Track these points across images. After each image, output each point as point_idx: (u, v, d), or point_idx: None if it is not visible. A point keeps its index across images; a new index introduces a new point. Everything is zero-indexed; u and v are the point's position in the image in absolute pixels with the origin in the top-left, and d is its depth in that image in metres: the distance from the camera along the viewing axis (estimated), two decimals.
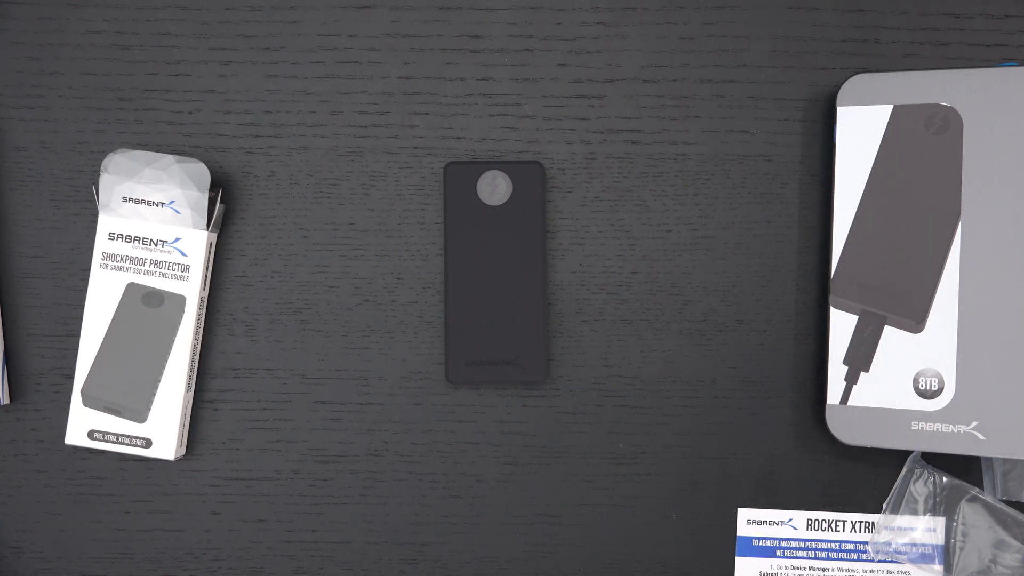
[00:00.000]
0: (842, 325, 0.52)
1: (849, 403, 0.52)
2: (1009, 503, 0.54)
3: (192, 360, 0.53)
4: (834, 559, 0.54)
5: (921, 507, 0.53)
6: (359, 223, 0.54)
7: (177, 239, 0.52)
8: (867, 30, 0.54)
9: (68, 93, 0.54)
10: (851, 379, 0.52)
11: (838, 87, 0.54)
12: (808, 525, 0.54)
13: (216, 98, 0.54)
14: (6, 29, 0.54)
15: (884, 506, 0.54)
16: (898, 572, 0.54)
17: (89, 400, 0.52)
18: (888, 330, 0.51)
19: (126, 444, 0.52)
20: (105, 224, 0.52)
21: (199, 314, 0.53)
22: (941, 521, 0.53)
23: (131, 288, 0.52)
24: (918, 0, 0.54)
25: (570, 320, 0.54)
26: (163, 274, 0.52)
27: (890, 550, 0.54)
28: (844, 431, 0.52)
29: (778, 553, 0.55)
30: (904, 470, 0.53)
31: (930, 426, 0.51)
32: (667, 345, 0.54)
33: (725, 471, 0.55)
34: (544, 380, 0.53)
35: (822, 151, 0.54)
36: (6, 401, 0.54)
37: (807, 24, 0.54)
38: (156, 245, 0.52)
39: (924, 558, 0.53)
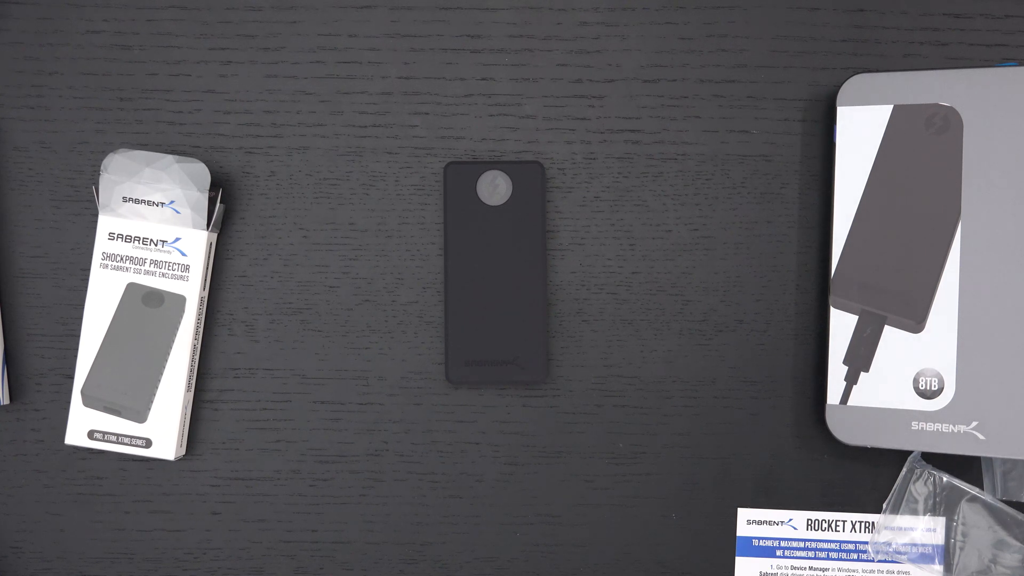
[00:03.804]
0: (842, 325, 0.52)
1: (849, 403, 0.52)
2: (1009, 503, 0.54)
3: (192, 360, 0.53)
4: (834, 559, 0.54)
5: (921, 507, 0.53)
6: (359, 223, 0.54)
7: (177, 239, 0.52)
8: (867, 30, 0.54)
9: (68, 93, 0.54)
10: (851, 379, 0.52)
11: (838, 87, 0.54)
12: (808, 525, 0.54)
13: (216, 98, 0.54)
14: (6, 29, 0.54)
15: (884, 506, 0.54)
16: (898, 572, 0.54)
17: (89, 400, 0.52)
18: (888, 330, 0.51)
19: (126, 444, 0.52)
20: (105, 224, 0.52)
21: (199, 314, 0.53)
22: (941, 521, 0.53)
23: (131, 288, 0.52)
24: (918, 0, 0.54)
25: (570, 320, 0.54)
26: (163, 274, 0.52)
27: (890, 550, 0.54)
28: (844, 431, 0.52)
29: (778, 553, 0.55)
30: (904, 470, 0.53)
31: (930, 426, 0.51)
32: (667, 345, 0.54)
33: (725, 471, 0.55)
34: (544, 380, 0.53)
35: (822, 151, 0.54)
36: (6, 401, 0.54)
37: (807, 24, 0.54)
38: (156, 245, 0.52)
39: (924, 558, 0.53)
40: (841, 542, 0.54)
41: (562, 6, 0.54)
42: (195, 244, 0.52)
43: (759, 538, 0.55)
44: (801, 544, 0.55)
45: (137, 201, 0.52)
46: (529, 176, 0.53)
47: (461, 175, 0.53)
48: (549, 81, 0.54)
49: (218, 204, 0.52)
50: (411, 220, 0.54)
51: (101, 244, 0.52)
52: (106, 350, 0.52)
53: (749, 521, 0.55)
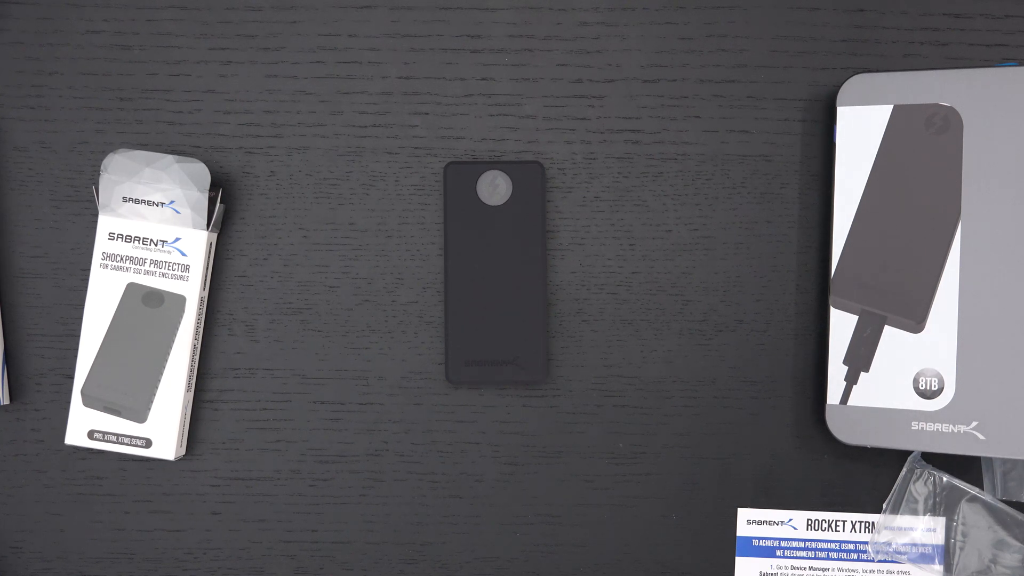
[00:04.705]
0: (842, 325, 0.52)
1: (849, 403, 0.52)
2: (1009, 503, 0.54)
3: (192, 360, 0.53)
4: (834, 559, 0.54)
5: (921, 507, 0.53)
6: (359, 223, 0.54)
7: (177, 239, 0.52)
8: (867, 30, 0.54)
9: (68, 93, 0.54)
10: (851, 379, 0.52)
11: (838, 87, 0.54)
12: (808, 525, 0.54)
13: (216, 98, 0.54)
14: (6, 29, 0.54)
15: (884, 506, 0.54)
16: (898, 572, 0.54)
17: (89, 400, 0.52)
18: (888, 330, 0.51)
19: (126, 444, 0.52)
20: (105, 224, 0.52)
21: (199, 314, 0.53)
22: (941, 521, 0.53)
23: (131, 288, 0.52)
24: (918, 0, 0.54)
25: (570, 320, 0.54)
26: (163, 274, 0.52)
27: (890, 550, 0.54)
28: (844, 431, 0.52)
29: (778, 553, 0.55)
30: (904, 470, 0.53)
31: (930, 426, 0.51)
32: (667, 345, 0.54)
33: (725, 471, 0.55)
34: (544, 380, 0.53)
35: (822, 151, 0.54)
36: (6, 401, 0.54)
37: (807, 24, 0.54)
38: (156, 245, 0.52)
39: (924, 558, 0.53)
40: (841, 542, 0.54)
41: (562, 6, 0.54)
42: (195, 244, 0.52)
43: (759, 538, 0.55)
44: (801, 544, 0.55)
45: (137, 201, 0.52)
46: (529, 176, 0.53)
47: (461, 175, 0.53)
48: (549, 81, 0.54)
49: (218, 204, 0.52)
50: (411, 220, 0.54)
51: (101, 244, 0.52)
52: (106, 350, 0.52)
53: (749, 521, 0.55)
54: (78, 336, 0.55)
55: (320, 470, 0.55)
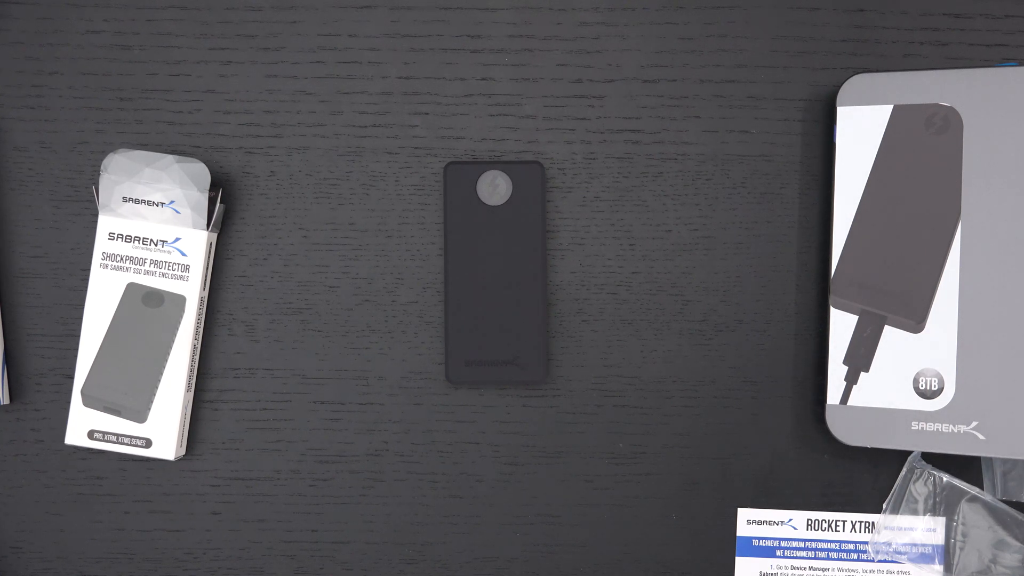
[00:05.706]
0: (842, 325, 0.52)
1: (849, 403, 0.52)
2: (1009, 503, 0.54)
3: (192, 360, 0.53)
4: (834, 559, 0.54)
5: (921, 507, 0.53)
6: (359, 223, 0.54)
7: (177, 239, 0.52)
8: (867, 30, 0.54)
9: (68, 93, 0.54)
10: (851, 379, 0.52)
11: (838, 87, 0.54)
12: (808, 525, 0.54)
13: (216, 98, 0.54)
14: (6, 29, 0.54)
15: (884, 506, 0.54)
16: (898, 572, 0.54)
17: (89, 400, 0.52)
18: (888, 330, 0.51)
19: (126, 444, 0.52)
20: (105, 224, 0.52)
21: (199, 314, 0.53)
22: (941, 521, 0.53)
23: (131, 288, 0.52)
24: (918, 0, 0.54)
25: (570, 320, 0.54)
26: (163, 274, 0.52)
27: (890, 550, 0.54)
28: (844, 431, 0.52)
29: (778, 553, 0.55)
30: (904, 470, 0.53)
31: (930, 426, 0.51)
32: (667, 345, 0.54)
33: (725, 471, 0.55)
34: (544, 380, 0.53)
35: (822, 151, 0.54)
36: (6, 401, 0.54)
37: (807, 24, 0.54)
38: (156, 245, 0.52)
39: (924, 558, 0.53)
40: (841, 542, 0.54)
41: (562, 6, 0.54)
42: (195, 244, 0.52)
43: (759, 538, 0.55)
44: (801, 544, 0.55)
45: (137, 201, 0.52)
46: (529, 176, 0.53)
47: (461, 175, 0.53)
48: (549, 81, 0.54)
49: (218, 204, 0.52)
50: (411, 220, 0.54)
51: (101, 244, 0.52)
52: (106, 350, 0.52)
53: (749, 521, 0.55)
54: (78, 336, 0.55)
55: (320, 470, 0.55)
